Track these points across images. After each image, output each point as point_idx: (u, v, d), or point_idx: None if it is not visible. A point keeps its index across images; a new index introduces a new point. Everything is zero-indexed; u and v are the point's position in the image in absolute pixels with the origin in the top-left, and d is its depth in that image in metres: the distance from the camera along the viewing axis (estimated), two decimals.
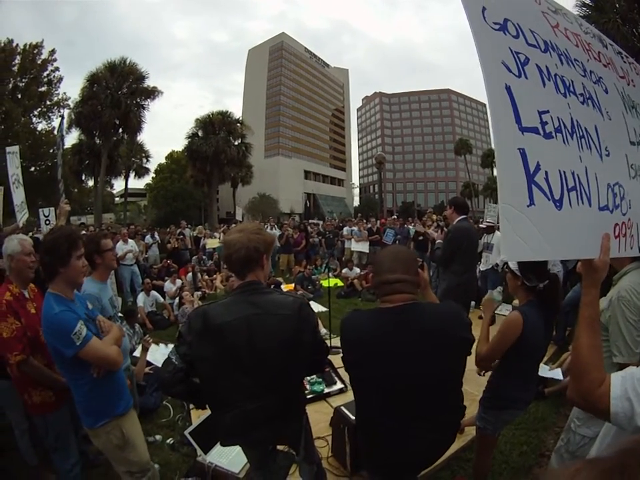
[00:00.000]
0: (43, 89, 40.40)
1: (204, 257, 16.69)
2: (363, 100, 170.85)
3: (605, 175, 2.11)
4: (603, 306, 3.26)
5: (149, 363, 6.11)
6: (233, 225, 20.18)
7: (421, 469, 2.67)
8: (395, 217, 22.42)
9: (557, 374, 6.06)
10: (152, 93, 42.65)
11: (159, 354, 6.81)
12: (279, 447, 2.67)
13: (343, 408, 4.31)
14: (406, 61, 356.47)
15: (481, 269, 10.57)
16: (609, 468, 0.77)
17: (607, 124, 2.26)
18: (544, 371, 5.92)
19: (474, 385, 4.21)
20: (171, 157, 71.24)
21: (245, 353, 2.48)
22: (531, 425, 5.40)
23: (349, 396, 5.17)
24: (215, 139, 46.42)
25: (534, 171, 1.76)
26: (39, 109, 40.70)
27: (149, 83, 42.96)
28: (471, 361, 2.51)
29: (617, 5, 22.86)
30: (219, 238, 18.55)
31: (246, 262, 2.62)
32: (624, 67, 2.74)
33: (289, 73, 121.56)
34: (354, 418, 3.69)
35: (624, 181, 2.25)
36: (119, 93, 40.36)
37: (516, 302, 4.19)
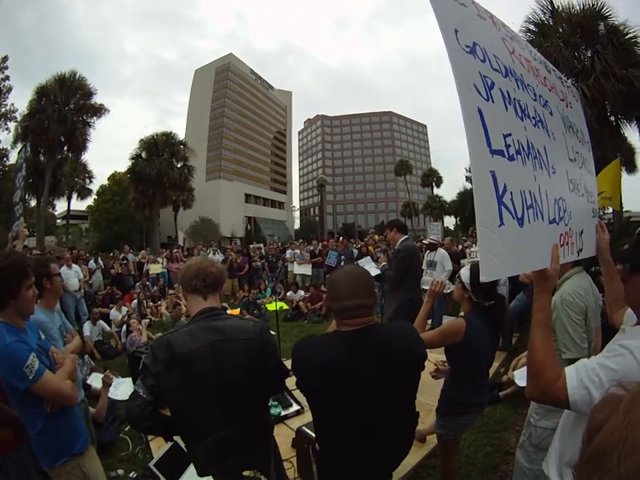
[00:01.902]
0: None
1: (148, 283, 16.31)
2: (305, 123, 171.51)
3: (553, 191, 2.31)
4: None
5: None
6: (175, 251, 20.03)
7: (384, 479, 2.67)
8: (341, 238, 22.69)
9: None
10: (98, 111, 41.00)
11: (111, 387, 6.51)
12: (245, 473, 2.58)
13: (304, 428, 4.36)
14: (350, 83, 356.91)
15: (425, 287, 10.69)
16: None
17: (552, 144, 2.48)
18: (521, 380, 6.07)
19: (428, 395, 4.40)
20: (113, 178, 68.98)
21: (213, 380, 2.44)
22: (492, 427, 5.65)
23: (307, 417, 5.33)
24: (159, 161, 45.13)
25: (502, 192, 1.90)
26: None
27: (96, 99, 41.40)
28: (425, 372, 2.57)
29: (560, 30, 23.95)
30: (162, 263, 18.36)
31: (219, 279, 2.76)
32: (564, 90, 3.03)
33: (233, 95, 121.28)
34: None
35: (565, 195, 2.48)
36: (66, 109, 38.60)
37: (462, 314, 4.24)
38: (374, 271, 6.82)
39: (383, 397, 2.27)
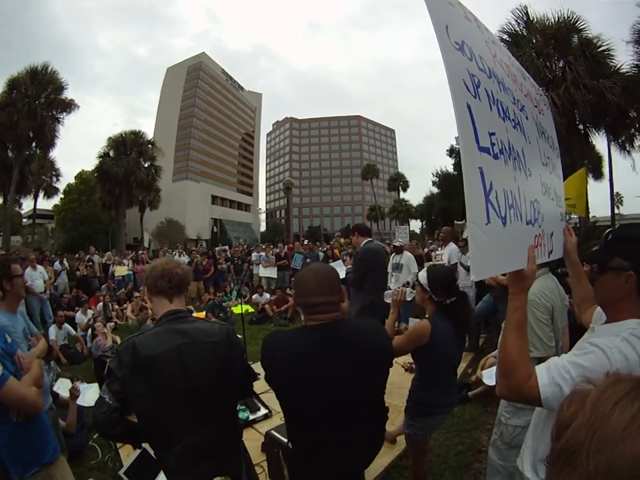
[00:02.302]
0: None
1: (113, 285, 16.10)
2: (273, 125, 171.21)
3: (529, 193, 2.37)
4: None
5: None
6: (141, 252, 19.87)
7: (357, 477, 2.72)
8: (306, 241, 22.77)
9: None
10: (68, 106, 38.98)
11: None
12: (217, 479, 2.50)
13: (273, 432, 4.23)
14: (321, 87, 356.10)
15: (392, 288, 10.83)
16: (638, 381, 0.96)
17: (529, 147, 2.55)
18: (490, 379, 6.03)
19: (397, 397, 4.44)
20: (80, 177, 67.06)
21: (180, 384, 2.38)
22: (463, 427, 5.72)
23: (275, 421, 5.37)
24: (126, 160, 43.94)
25: (489, 189, 1.92)
26: None
27: (67, 94, 39.43)
28: (393, 374, 2.63)
29: (534, 40, 24.60)
30: (128, 265, 18.10)
31: (184, 281, 2.70)
32: (537, 97, 3.12)
33: (203, 95, 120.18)
34: (286, 440, 3.63)
35: (539, 197, 2.55)
36: (37, 103, 36.77)
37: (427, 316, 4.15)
38: (342, 273, 6.86)
39: (351, 390, 2.31)
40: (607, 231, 2.14)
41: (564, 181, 3.81)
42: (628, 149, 29.44)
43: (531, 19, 24.85)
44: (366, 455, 2.60)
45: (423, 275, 3.75)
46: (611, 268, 1.88)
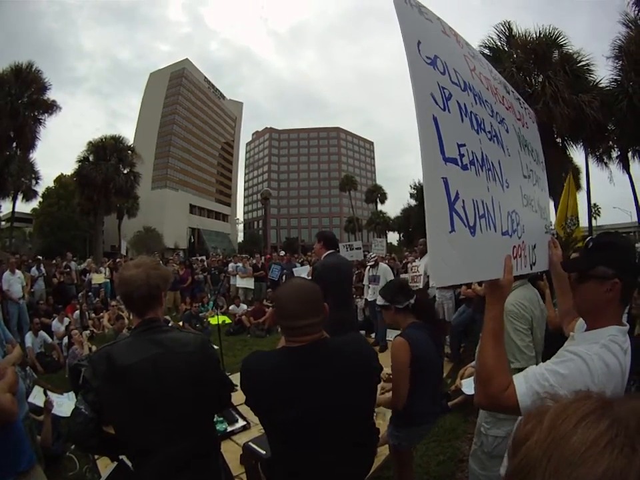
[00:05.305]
0: None
1: (90, 294, 15.88)
2: (253, 135, 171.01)
3: (506, 204, 2.36)
4: None
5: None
6: (118, 260, 19.49)
7: None
8: (282, 252, 22.82)
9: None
10: (50, 107, 38.13)
11: (55, 404, 5.98)
12: None
13: (251, 444, 4.20)
14: (301, 97, 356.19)
15: (369, 300, 11.06)
16: (606, 400, 0.87)
17: (507, 159, 2.54)
18: (469, 389, 6.18)
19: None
20: (59, 180, 65.47)
21: (155, 394, 2.32)
22: (443, 437, 5.70)
23: (253, 432, 5.32)
24: (106, 166, 42.90)
25: (454, 199, 1.90)
26: None
27: (49, 95, 38.57)
28: None
29: (515, 55, 25.14)
30: (105, 273, 17.81)
31: (148, 300, 2.50)
32: (521, 111, 3.18)
33: (185, 102, 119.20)
34: (264, 452, 3.65)
35: (519, 208, 2.55)
36: (19, 102, 35.88)
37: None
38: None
39: (341, 412, 2.23)
40: (587, 239, 2.16)
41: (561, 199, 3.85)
42: (605, 161, 30.04)
43: (513, 33, 25.40)
44: (354, 476, 2.48)
45: (379, 299, 3.82)
46: (593, 276, 1.90)
